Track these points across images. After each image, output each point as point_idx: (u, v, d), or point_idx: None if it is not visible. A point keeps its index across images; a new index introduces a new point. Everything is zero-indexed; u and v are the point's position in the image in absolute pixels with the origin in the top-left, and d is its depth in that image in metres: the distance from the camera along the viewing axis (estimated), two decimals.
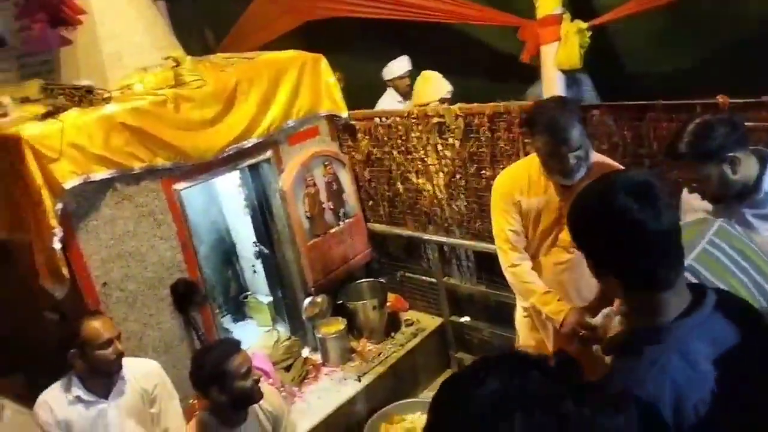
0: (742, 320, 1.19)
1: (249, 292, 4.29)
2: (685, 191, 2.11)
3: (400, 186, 3.64)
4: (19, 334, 3.46)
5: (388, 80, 4.44)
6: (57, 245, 2.53)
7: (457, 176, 3.31)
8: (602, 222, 1.18)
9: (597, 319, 2.20)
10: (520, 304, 2.72)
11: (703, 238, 1.74)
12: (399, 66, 4.37)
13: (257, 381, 2.37)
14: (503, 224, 2.50)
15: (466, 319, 3.78)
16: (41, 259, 2.61)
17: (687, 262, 1.71)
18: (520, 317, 2.75)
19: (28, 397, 2.85)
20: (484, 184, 3.20)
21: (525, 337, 2.73)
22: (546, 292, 2.42)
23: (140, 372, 2.58)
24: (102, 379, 2.47)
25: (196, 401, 2.98)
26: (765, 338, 1.20)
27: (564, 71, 3.38)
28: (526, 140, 2.95)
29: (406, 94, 4.37)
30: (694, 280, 1.49)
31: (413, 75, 4.26)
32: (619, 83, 3.68)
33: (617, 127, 2.68)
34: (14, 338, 3.55)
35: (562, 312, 2.34)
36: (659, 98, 2.55)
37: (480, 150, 3.16)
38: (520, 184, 2.46)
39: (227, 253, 4.28)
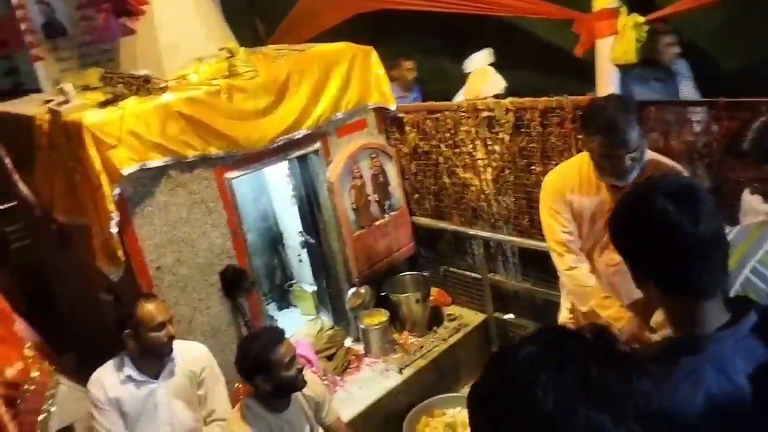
0: None
1: (294, 281, 4.35)
2: (746, 192, 2.03)
3: (446, 180, 3.62)
4: (75, 314, 3.62)
5: (469, 73, 4.15)
6: (114, 229, 2.61)
7: (506, 171, 3.27)
8: (639, 223, 1.16)
9: (655, 336, 2.14)
10: (566, 306, 2.67)
11: (765, 242, 1.68)
12: (481, 58, 4.09)
13: (300, 370, 2.41)
14: (556, 226, 2.44)
15: (510, 316, 3.74)
16: (98, 242, 2.71)
17: (745, 270, 1.66)
18: (564, 318, 2.70)
19: (80, 376, 2.97)
20: (533, 180, 3.16)
21: None
22: (606, 296, 2.35)
23: (189, 354, 2.66)
24: (153, 360, 2.55)
25: (241, 386, 3.05)
26: None
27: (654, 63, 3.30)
28: (578, 136, 2.89)
29: None
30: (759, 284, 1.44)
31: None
32: None
33: (677, 125, 2.60)
34: (70, 318, 3.72)
35: (622, 319, 2.27)
36: (722, 96, 2.47)
37: (530, 145, 3.11)
38: (572, 182, 2.41)
39: (274, 241, 4.35)
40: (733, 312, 1.17)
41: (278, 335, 2.40)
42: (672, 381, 1.10)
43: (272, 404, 2.41)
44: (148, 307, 2.46)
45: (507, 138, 3.17)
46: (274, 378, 2.32)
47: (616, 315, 2.30)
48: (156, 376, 2.56)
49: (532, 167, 3.14)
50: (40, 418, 2.73)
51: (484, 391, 0.91)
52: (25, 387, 2.67)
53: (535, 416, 0.82)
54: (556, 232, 2.44)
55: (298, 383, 2.41)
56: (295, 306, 4.28)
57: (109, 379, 2.52)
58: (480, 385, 0.91)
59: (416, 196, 3.87)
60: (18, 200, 3.53)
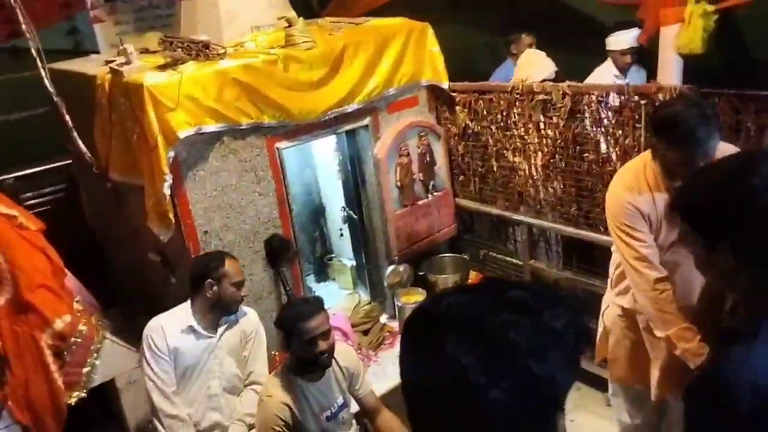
0: None
1: (333, 255, 4.38)
2: None
3: (494, 163, 3.58)
4: (122, 273, 3.71)
5: (609, 50, 3.91)
6: (167, 191, 2.66)
7: (557, 157, 3.21)
8: (737, 196, 1.16)
9: None
10: (619, 303, 2.50)
11: None
12: (625, 39, 3.76)
13: (331, 349, 2.40)
14: (634, 243, 2.25)
15: None
16: (151, 203, 2.76)
17: None
18: (613, 315, 2.55)
19: (123, 332, 3.06)
20: (584, 168, 3.09)
21: (617, 334, 2.55)
22: (687, 327, 2.19)
23: (243, 315, 2.72)
24: (216, 315, 2.60)
25: (277, 354, 3.10)
26: None
27: None
28: (636, 125, 2.82)
29: (624, 71, 3.89)
30: None
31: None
32: (744, 70, 3.44)
33: (741, 116, 2.52)
34: (117, 276, 3.81)
35: (701, 356, 2.12)
36: None
37: (584, 131, 3.05)
38: (639, 189, 2.24)
39: (316, 214, 4.37)
40: None
41: (315, 306, 2.40)
42: (758, 357, 1.08)
43: (307, 372, 2.44)
44: (235, 264, 2.59)
45: (561, 123, 3.11)
46: (306, 347, 2.33)
47: (696, 350, 2.15)
48: (214, 331, 2.62)
49: (585, 154, 3.08)
50: (84, 370, 2.83)
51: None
52: (72, 340, 2.76)
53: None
54: (636, 248, 2.24)
55: (322, 361, 2.37)
56: (333, 280, 4.31)
57: (171, 328, 2.56)
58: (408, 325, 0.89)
59: (461, 177, 3.84)
60: (74, 158, 3.61)
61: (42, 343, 2.66)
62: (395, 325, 3.74)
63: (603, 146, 3.02)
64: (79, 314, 2.80)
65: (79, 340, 2.75)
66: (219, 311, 2.60)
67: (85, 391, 2.78)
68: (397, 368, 3.14)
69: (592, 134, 3.04)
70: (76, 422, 2.81)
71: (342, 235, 4.23)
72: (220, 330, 2.62)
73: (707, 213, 1.22)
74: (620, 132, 2.92)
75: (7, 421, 2.66)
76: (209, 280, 2.53)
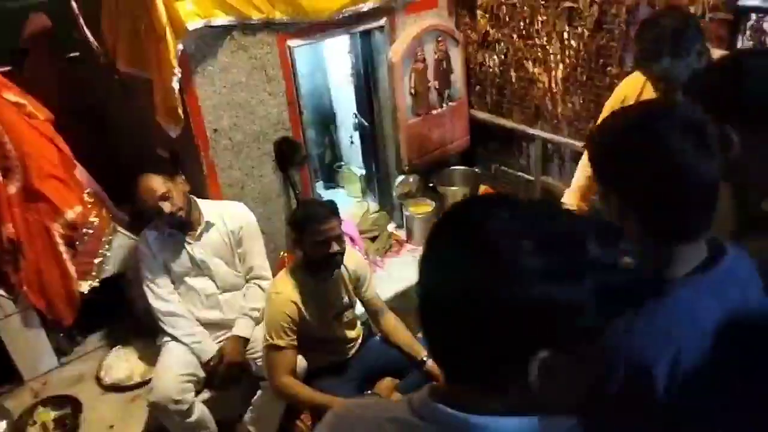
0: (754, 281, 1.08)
1: (343, 163, 4.35)
2: None
3: (513, 73, 3.46)
4: (132, 168, 3.69)
5: None
6: (176, 85, 2.59)
7: (578, 70, 3.09)
8: (646, 157, 1.02)
9: None
10: None
11: None
12: None
13: (342, 251, 2.44)
14: None
15: None
16: (159, 97, 2.70)
17: None
18: None
19: (133, 228, 3.09)
20: (606, 83, 2.98)
21: None
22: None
23: (227, 214, 2.73)
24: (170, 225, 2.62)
25: (286, 254, 3.15)
26: None
27: None
28: None
29: None
30: None
31: None
32: None
33: None
34: (127, 172, 3.80)
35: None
36: None
37: (610, 43, 2.91)
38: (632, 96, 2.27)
39: (326, 120, 4.31)
40: (711, 252, 1.09)
41: (331, 210, 2.41)
42: (637, 329, 1.02)
43: (316, 271, 2.48)
44: (145, 183, 2.52)
45: (586, 34, 2.97)
46: (319, 248, 2.36)
47: None
48: (192, 236, 2.66)
49: (608, 68, 2.96)
50: (96, 260, 2.88)
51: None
52: (84, 230, 2.80)
53: None
54: None
55: (333, 262, 2.42)
56: (342, 187, 4.31)
57: (153, 235, 2.65)
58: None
59: (478, 88, 3.73)
60: (82, 50, 3.52)
61: (53, 231, 2.71)
62: (402, 233, 3.77)
63: (628, 61, 2.90)
64: (89, 206, 2.82)
65: (91, 231, 2.79)
66: (162, 224, 2.61)
67: (97, 280, 2.85)
68: (402, 274, 3.20)
69: (617, 47, 2.91)
70: (89, 312, 2.91)
71: (352, 142, 4.18)
72: (200, 234, 2.66)
73: (614, 168, 1.09)
74: None
75: (24, 305, 2.76)
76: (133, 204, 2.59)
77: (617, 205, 1.08)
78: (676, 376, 1.00)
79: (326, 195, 4.16)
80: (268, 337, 2.36)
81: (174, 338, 2.63)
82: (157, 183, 2.52)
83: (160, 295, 2.65)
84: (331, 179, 4.37)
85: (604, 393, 1.02)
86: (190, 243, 2.66)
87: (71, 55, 3.71)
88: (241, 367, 2.68)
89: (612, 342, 0.98)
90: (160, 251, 2.65)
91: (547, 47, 3.19)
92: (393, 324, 2.68)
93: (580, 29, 2.99)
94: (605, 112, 2.37)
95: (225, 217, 2.71)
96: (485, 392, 0.77)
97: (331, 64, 4.07)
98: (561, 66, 3.16)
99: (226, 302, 2.74)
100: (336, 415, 0.94)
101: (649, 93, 2.23)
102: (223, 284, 2.73)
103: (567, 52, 3.10)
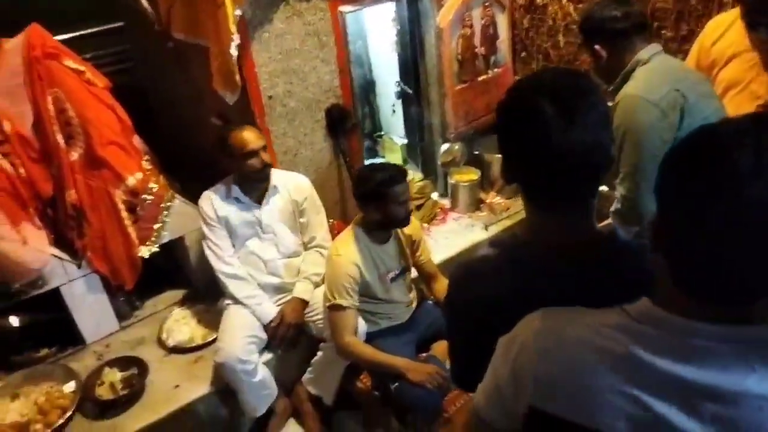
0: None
1: (383, 132, 4.36)
2: None
3: (561, 39, 3.43)
4: (180, 138, 3.74)
5: None
6: (234, 51, 2.61)
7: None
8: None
9: None
10: None
11: None
12: None
13: (410, 212, 2.49)
14: None
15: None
16: (216, 64, 2.73)
17: None
18: None
19: (189, 193, 3.14)
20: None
21: None
22: None
23: (293, 184, 2.78)
24: (256, 185, 2.69)
25: (335, 222, 3.19)
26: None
27: None
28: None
29: None
30: None
31: None
32: None
33: None
34: (175, 142, 3.84)
35: None
36: None
37: (665, 6, 2.87)
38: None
39: (366, 89, 4.31)
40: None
41: (402, 173, 2.47)
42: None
43: (376, 235, 2.52)
44: (241, 135, 2.57)
45: None
46: (387, 210, 2.40)
47: None
48: (259, 201, 2.71)
49: (663, 31, 2.92)
50: (155, 226, 2.94)
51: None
52: (144, 196, 2.85)
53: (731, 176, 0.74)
54: None
55: (405, 221, 2.51)
56: (382, 157, 4.32)
57: (218, 198, 2.71)
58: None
59: (523, 54, 3.70)
60: (127, 19, 3.55)
61: (116, 197, 2.77)
62: (446, 202, 3.79)
63: (684, 24, 2.86)
64: (148, 172, 2.87)
65: (151, 197, 2.84)
66: (251, 181, 2.67)
67: (157, 246, 2.91)
68: (448, 241, 3.24)
69: (672, 10, 2.87)
70: (147, 277, 2.98)
71: (394, 111, 4.18)
72: (267, 198, 2.72)
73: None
74: (703, 7, 2.74)
75: (87, 270, 2.83)
76: (223, 155, 2.61)
77: (504, 173, 1.15)
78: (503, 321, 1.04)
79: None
80: (330, 297, 2.41)
81: (236, 301, 2.69)
82: (256, 136, 2.60)
83: (222, 257, 2.70)
84: (371, 149, 4.38)
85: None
86: (257, 206, 2.71)
87: (114, 25, 3.75)
88: (300, 329, 2.74)
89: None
90: (225, 213, 2.69)
91: None
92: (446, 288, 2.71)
93: None
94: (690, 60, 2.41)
95: (290, 187, 2.76)
96: (721, 304, 0.80)
97: (372, 32, 4.06)
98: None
99: (285, 267, 2.80)
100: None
101: (733, 36, 2.20)
102: (285, 250, 2.79)
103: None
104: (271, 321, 2.69)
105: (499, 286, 1.10)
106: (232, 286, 2.70)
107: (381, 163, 2.75)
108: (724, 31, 2.32)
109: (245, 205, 2.72)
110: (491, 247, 1.20)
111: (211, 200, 2.71)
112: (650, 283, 0.87)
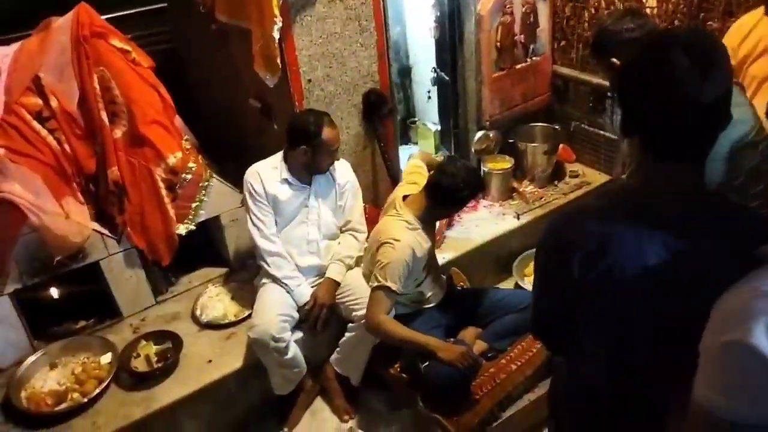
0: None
1: (416, 118, 4.36)
2: None
3: None
4: (219, 119, 3.79)
5: None
6: (276, 34, 2.63)
7: (675, 24, 3.00)
8: (646, 71, 1.07)
9: None
10: None
11: None
12: None
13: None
14: None
15: None
16: (258, 46, 2.75)
17: None
18: None
19: (225, 173, 3.18)
20: None
21: None
22: None
23: (337, 168, 2.80)
24: (308, 172, 2.71)
25: (368, 206, 3.20)
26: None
27: None
28: None
29: None
30: None
31: None
32: None
33: None
34: (213, 123, 3.90)
35: None
36: None
37: None
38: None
39: (401, 75, 4.30)
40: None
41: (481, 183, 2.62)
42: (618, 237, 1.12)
43: (424, 221, 2.56)
44: (333, 133, 2.60)
45: None
46: (450, 203, 2.54)
47: None
48: (309, 183, 2.74)
49: (710, 23, 2.86)
50: (193, 205, 2.99)
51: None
52: (183, 175, 2.90)
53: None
54: None
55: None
56: (415, 143, 4.33)
57: (268, 175, 2.70)
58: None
59: (563, 42, 3.66)
60: (170, 1, 3.59)
61: (156, 176, 2.82)
62: None
63: (728, 18, 2.80)
64: (188, 152, 2.92)
65: (190, 176, 2.89)
66: (311, 170, 2.70)
67: (193, 224, 2.97)
68: (479, 229, 3.29)
69: (720, 1, 2.80)
70: (184, 253, 3.04)
71: (430, 98, 4.18)
72: (314, 180, 2.73)
73: (624, 85, 1.15)
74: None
75: (126, 245, 2.91)
76: (304, 146, 2.59)
77: (623, 124, 1.16)
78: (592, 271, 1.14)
79: (400, 151, 4.19)
80: (381, 279, 2.41)
81: (274, 279, 2.73)
82: (337, 135, 2.65)
83: (267, 235, 2.72)
84: (404, 135, 4.39)
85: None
86: (305, 187, 2.73)
87: (158, 5, 3.78)
88: (332, 310, 2.78)
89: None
90: (274, 192, 2.69)
91: (643, 0, 3.09)
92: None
93: None
94: None
95: (333, 170, 2.78)
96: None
97: (410, 18, 4.04)
98: (657, 20, 3.05)
99: (325, 248, 2.84)
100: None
101: (762, 31, 2.18)
102: (326, 231, 2.82)
103: (665, 6, 3.01)
104: (306, 303, 2.73)
105: (608, 225, 1.13)
106: (274, 264, 2.71)
107: (462, 161, 2.76)
108: (751, 30, 2.30)
109: (294, 187, 2.71)
110: (599, 196, 1.27)
111: (260, 176, 2.69)
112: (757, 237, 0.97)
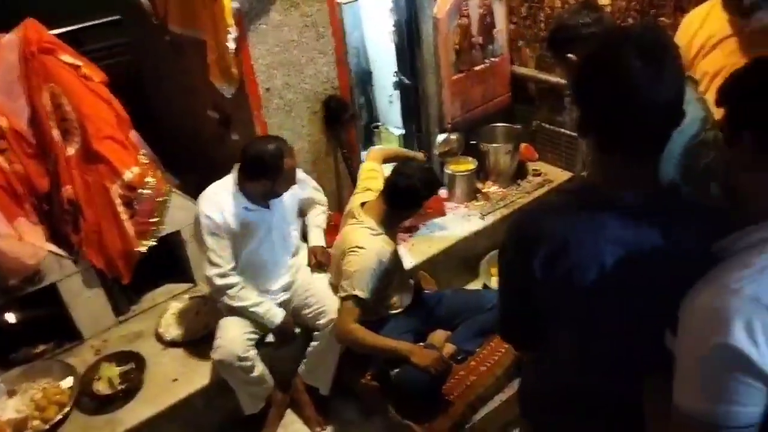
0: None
1: (380, 123, 4.34)
2: None
3: None
4: (176, 132, 3.71)
5: None
6: (231, 45, 2.59)
7: (629, 21, 3.05)
8: (601, 72, 1.08)
9: None
10: None
11: None
12: None
13: None
14: None
15: None
16: (214, 57, 2.71)
17: None
18: None
19: (185, 186, 3.12)
20: None
21: None
22: None
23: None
24: (266, 197, 2.57)
25: (332, 213, 3.18)
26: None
27: None
28: None
29: None
30: None
31: None
32: None
33: None
34: (170, 136, 3.82)
35: None
36: None
37: None
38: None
39: (362, 81, 4.28)
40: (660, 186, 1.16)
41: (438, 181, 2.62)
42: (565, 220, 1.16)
43: (389, 229, 2.56)
44: (293, 161, 2.48)
45: None
46: (412, 210, 2.58)
47: None
48: (267, 206, 2.58)
49: (661, 18, 2.92)
50: (152, 220, 2.92)
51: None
52: (141, 191, 2.83)
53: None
54: None
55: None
56: None
57: (227, 205, 2.49)
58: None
59: (520, 43, 3.69)
60: (124, 12, 3.50)
61: (112, 192, 2.75)
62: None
63: (680, 14, 2.85)
64: (145, 167, 2.85)
65: (148, 191, 2.82)
66: (269, 197, 2.56)
67: (154, 240, 2.90)
68: (445, 232, 3.31)
69: None
70: (146, 270, 2.97)
71: (391, 102, 4.16)
72: (273, 204, 2.60)
73: (581, 87, 1.16)
74: None
75: (83, 265, 2.82)
76: (264, 180, 2.44)
77: (579, 124, 1.16)
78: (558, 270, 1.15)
79: (363, 157, 4.18)
80: (349, 288, 2.39)
81: (239, 313, 2.60)
82: (295, 161, 2.55)
83: (226, 272, 2.52)
84: (368, 140, 4.36)
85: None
86: (265, 209, 2.58)
87: (111, 18, 3.70)
88: (294, 326, 2.73)
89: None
90: (233, 220, 2.48)
91: None
92: None
93: None
94: None
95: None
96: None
97: (368, 24, 4.03)
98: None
99: (294, 266, 2.80)
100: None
101: (714, 26, 2.21)
102: (292, 249, 2.79)
103: (616, 4, 3.05)
104: (277, 327, 2.63)
105: (568, 224, 1.15)
106: (237, 297, 2.56)
107: (431, 168, 2.77)
108: (702, 24, 2.32)
109: (255, 212, 2.54)
110: (559, 194, 1.34)
111: (220, 206, 2.47)
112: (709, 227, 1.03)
